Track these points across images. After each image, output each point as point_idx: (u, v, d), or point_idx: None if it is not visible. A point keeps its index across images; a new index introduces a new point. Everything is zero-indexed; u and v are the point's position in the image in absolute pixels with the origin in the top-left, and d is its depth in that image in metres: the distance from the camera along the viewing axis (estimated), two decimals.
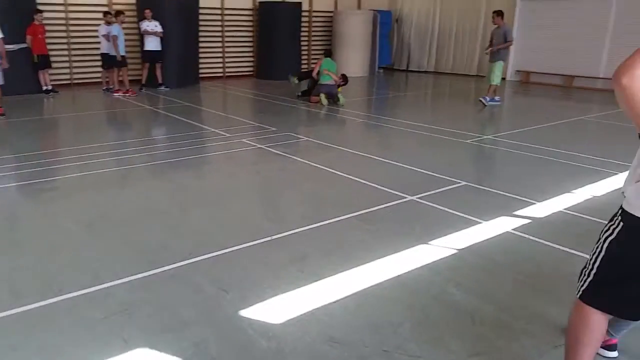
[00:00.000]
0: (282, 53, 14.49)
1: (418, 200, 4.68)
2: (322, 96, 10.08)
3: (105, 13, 11.45)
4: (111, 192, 4.98)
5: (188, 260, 3.45)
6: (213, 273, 3.30)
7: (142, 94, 11.37)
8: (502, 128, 8.66)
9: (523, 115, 9.73)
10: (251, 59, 15.34)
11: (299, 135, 7.42)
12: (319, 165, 5.81)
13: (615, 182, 5.20)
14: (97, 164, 5.78)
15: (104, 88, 11.70)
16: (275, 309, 2.87)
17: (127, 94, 11.26)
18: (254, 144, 6.90)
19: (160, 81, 12.22)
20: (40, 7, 11.08)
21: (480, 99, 10.31)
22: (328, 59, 10.83)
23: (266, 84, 13.78)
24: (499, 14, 10.16)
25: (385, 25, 16.82)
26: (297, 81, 11.29)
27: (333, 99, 10.14)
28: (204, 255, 3.54)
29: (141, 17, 11.92)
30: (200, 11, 13.36)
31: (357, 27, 15.72)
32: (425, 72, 17.27)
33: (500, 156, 6.61)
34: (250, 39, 15.16)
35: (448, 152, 6.61)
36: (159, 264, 3.39)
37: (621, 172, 5.51)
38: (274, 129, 7.88)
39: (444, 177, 5.37)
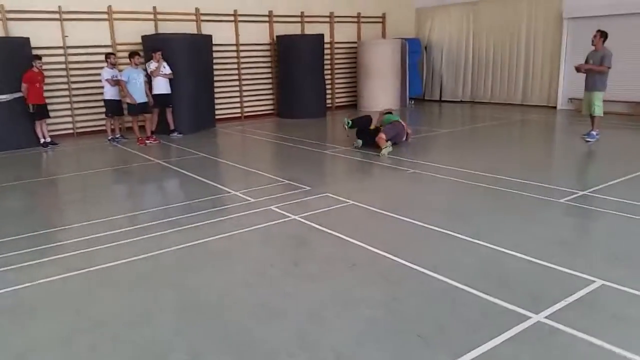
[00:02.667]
0: (305, 89, 13.12)
1: (549, 322, 3.06)
2: (388, 144, 8.30)
3: (108, 55, 10.23)
4: (88, 313, 3.47)
5: None
6: None
7: (150, 144, 10.03)
8: (596, 177, 6.73)
9: (609, 156, 8.04)
10: (271, 96, 14.01)
11: (339, 197, 5.89)
12: (377, 251, 4.24)
13: None
14: (70, 261, 4.30)
15: (109, 138, 10.40)
16: None
17: (150, 141, 10.07)
18: (286, 213, 5.37)
19: (172, 127, 10.91)
20: (37, 52, 9.90)
21: (586, 137, 8.83)
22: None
23: (289, 124, 12.38)
24: (602, 35, 8.58)
25: (414, 54, 15.43)
26: (348, 125, 8.89)
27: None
28: None
29: (147, 59, 10.73)
30: (214, 48, 12.11)
31: (384, 57, 14.34)
32: (461, 102, 15.76)
33: (621, 227, 4.77)
34: (269, 75, 13.85)
35: (544, 220, 4.99)
36: None
37: None
38: (307, 187, 6.38)
39: (564, 269, 3.75)
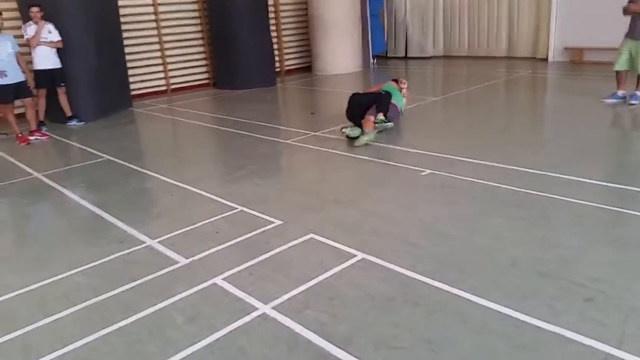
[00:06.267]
0: (246, 51, 10.31)
1: None
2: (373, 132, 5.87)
3: None
4: None
5: None
6: None
7: (38, 142, 7.10)
8: None
9: None
10: (204, 62, 11.11)
11: (335, 243, 3.42)
12: None
13: None
14: None
15: None
16: None
17: (35, 137, 7.15)
18: (246, 298, 2.84)
19: (68, 114, 7.95)
20: None
21: (632, 101, 6.72)
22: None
23: (230, 98, 9.67)
24: None
25: (374, 3, 12.84)
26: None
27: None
28: None
29: (25, 19, 7.66)
30: (121, 3, 9.05)
31: (341, 6, 11.66)
32: (432, 57, 13.45)
33: None
34: (200, 35, 10.92)
35: None
36: None
37: None
38: (275, 221, 3.85)
39: None
